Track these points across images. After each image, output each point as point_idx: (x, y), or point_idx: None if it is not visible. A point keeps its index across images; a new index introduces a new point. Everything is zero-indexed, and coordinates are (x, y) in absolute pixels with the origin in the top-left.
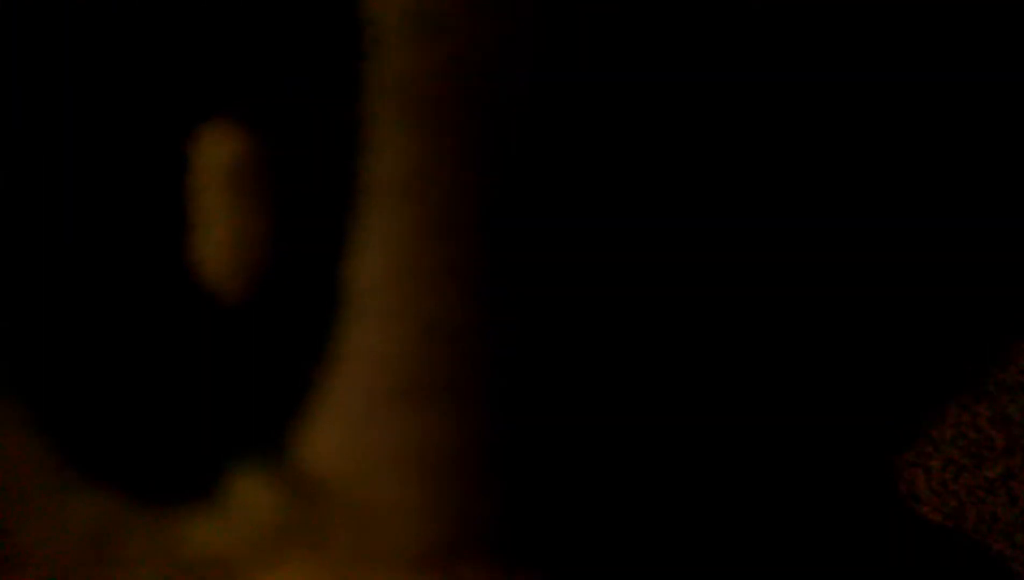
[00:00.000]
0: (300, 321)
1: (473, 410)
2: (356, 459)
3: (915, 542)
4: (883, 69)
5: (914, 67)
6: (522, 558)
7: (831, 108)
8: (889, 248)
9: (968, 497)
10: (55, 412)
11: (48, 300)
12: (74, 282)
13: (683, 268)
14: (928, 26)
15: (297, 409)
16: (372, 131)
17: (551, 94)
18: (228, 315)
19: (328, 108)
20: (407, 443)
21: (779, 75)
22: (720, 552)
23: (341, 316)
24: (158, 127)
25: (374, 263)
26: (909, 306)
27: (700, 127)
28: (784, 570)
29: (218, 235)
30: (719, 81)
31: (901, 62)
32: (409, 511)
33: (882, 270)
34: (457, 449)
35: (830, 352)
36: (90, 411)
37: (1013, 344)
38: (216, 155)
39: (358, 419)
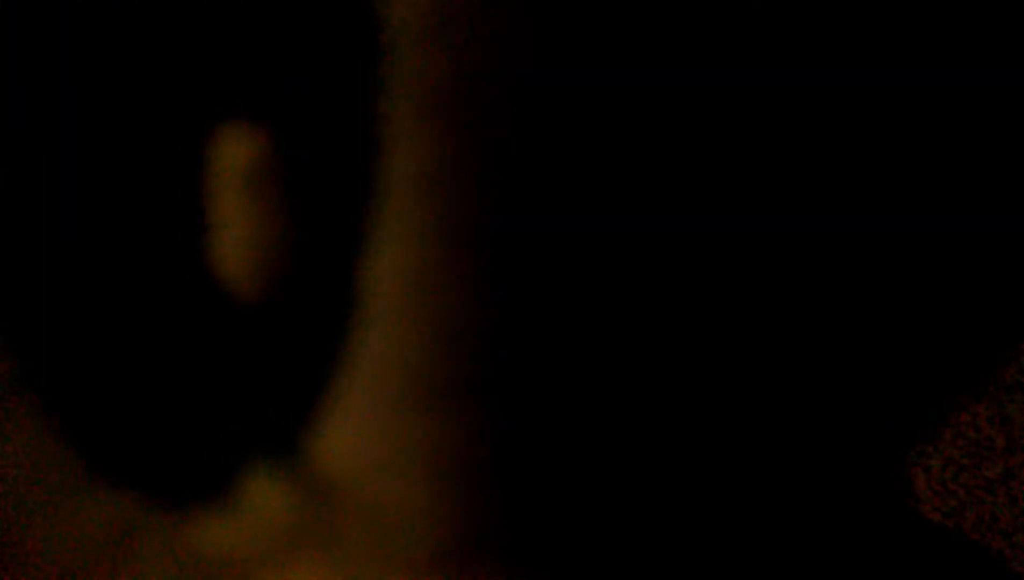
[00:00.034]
0: (315, 322)
1: (485, 412)
2: (369, 460)
3: (915, 542)
4: (882, 68)
5: (914, 67)
6: (531, 559)
7: (830, 107)
8: (888, 248)
9: (968, 497)
10: (67, 411)
11: (63, 298)
12: (89, 280)
13: (688, 269)
14: (927, 26)
15: (311, 410)
16: (388, 131)
17: (563, 93)
18: (244, 316)
19: (344, 108)
20: (420, 444)
21: (778, 74)
22: (720, 552)
23: (355, 317)
24: (175, 127)
25: (389, 264)
26: (909, 307)
27: (704, 127)
28: (784, 570)
29: (235, 236)
30: (720, 81)
31: (901, 61)
32: (421, 512)
33: (881, 271)
34: (469, 451)
35: (830, 352)
36: (103, 410)
37: (1013, 344)
38: (233, 155)
39: (371, 420)
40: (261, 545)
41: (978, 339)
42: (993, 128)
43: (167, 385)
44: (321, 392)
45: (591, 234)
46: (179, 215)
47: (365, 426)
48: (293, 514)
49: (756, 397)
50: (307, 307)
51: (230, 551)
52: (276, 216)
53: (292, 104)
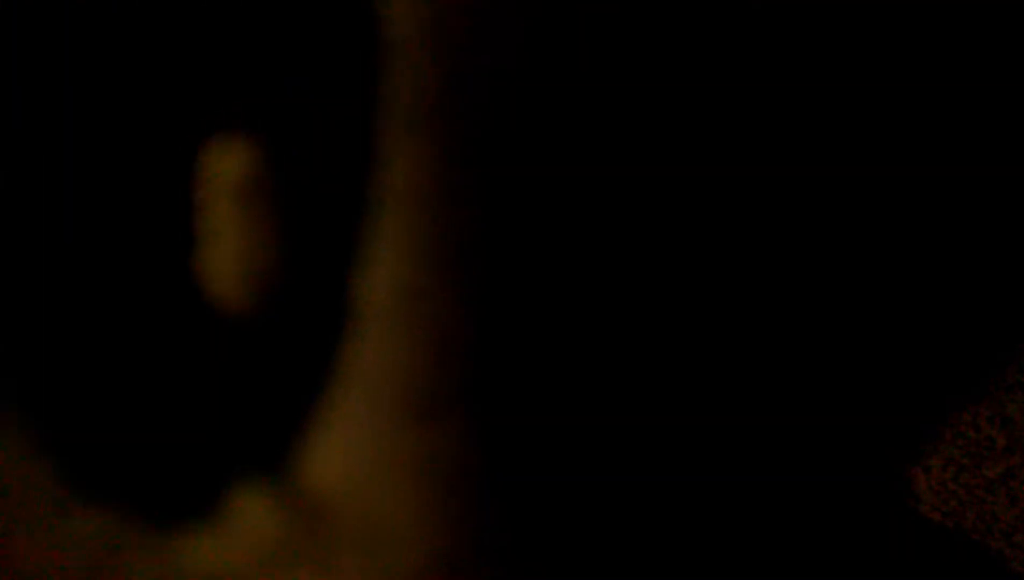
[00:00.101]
0: (306, 336)
1: (477, 423)
2: (360, 473)
3: (915, 542)
4: (883, 68)
5: (914, 66)
6: (524, 569)
7: (831, 107)
8: (888, 250)
9: (968, 497)
10: (57, 428)
11: (52, 316)
12: (78, 297)
13: (685, 272)
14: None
15: (300, 425)
16: (382, 144)
17: (556, 107)
18: (234, 330)
19: (338, 121)
20: (411, 456)
21: (774, 73)
22: (720, 552)
23: (348, 330)
24: (167, 139)
25: (382, 276)
26: (909, 308)
27: (703, 136)
28: (785, 570)
29: (226, 249)
30: (720, 88)
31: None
32: (413, 524)
33: (882, 272)
34: (460, 462)
35: (830, 353)
36: (91, 426)
37: (1013, 344)
38: (225, 168)
39: (362, 433)
40: (250, 561)
41: (978, 339)
42: (993, 129)
43: (155, 400)
44: (311, 407)
45: (582, 245)
46: (170, 228)
47: (356, 439)
48: (282, 529)
49: (757, 398)
50: (299, 321)
51: (218, 567)
52: (268, 229)
53: (285, 117)
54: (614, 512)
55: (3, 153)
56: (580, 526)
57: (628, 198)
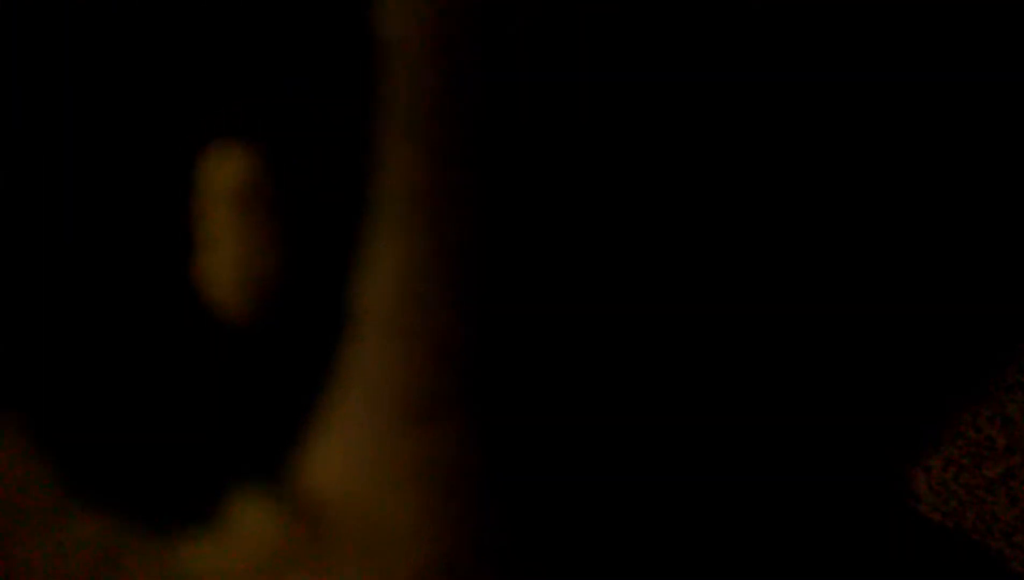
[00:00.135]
0: (305, 342)
1: (476, 427)
2: (359, 478)
3: (915, 542)
4: (883, 69)
5: (914, 67)
6: (524, 571)
7: (831, 106)
8: (889, 251)
9: (968, 497)
10: (56, 433)
11: (52, 321)
12: (78, 303)
13: (687, 279)
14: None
15: (299, 430)
16: (380, 150)
17: (554, 110)
18: (232, 336)
19: (337, 125)
20: (411, 460)
21: (771, 74)
22: (720, 552)
23: (347, 335)
24: (166, 146)
25: (380, 281)
26: (910, 308)
27: (700, 147)
28: (785, 570)
29: (224, 256)
30: (717, 85)
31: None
32: (412, 529)
33: (882, 273)
34: (460, 466)
35: (830, 354)
36: (89, 431)
37: (1013, 344)
38: (223, 175)
39: (361, 437)
40: (249, 565)
41: (978, 339)
42: (993, 130)
43: (154, 405)
44: (310, 411)
45: (581, 247)
46: (169, 234)
47: (355, 443)
48: (281, 533)
49: (757, 398)
50: (297, 327)
51: (217, 571)
52: (266, 236)
53: (283, 123)
54: (613, 513)
55: (3, 158)
56: (579, 527)
57: (626, 200)
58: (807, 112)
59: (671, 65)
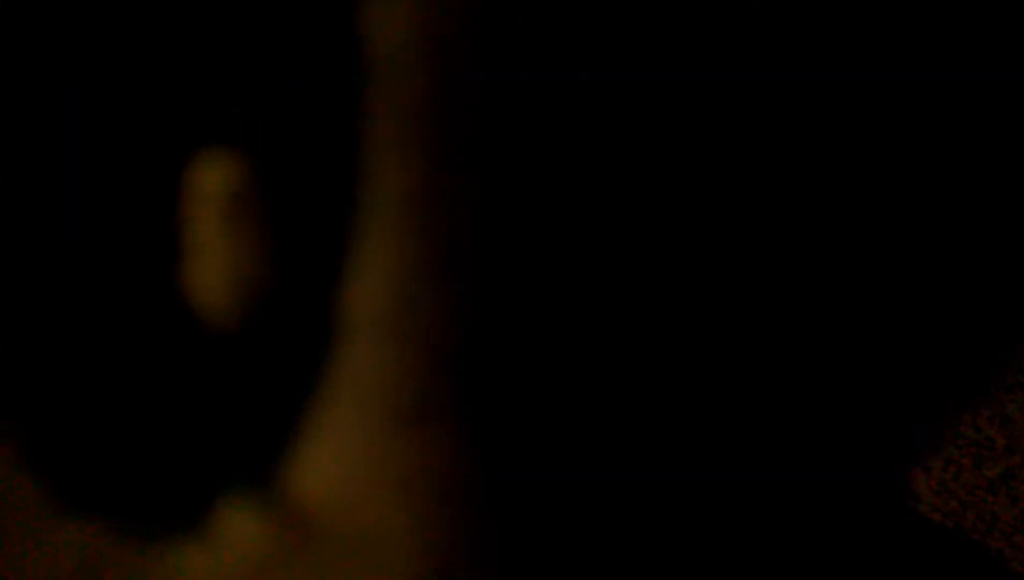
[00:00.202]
0: (294, 350)
1: (468, 432)
2: (349, 486)
3: (915, 542)
4: (883, 69)
5: (914, 67)
6: (521, 578)
7: (832, 107)
8: (889, 252)
9: (968, 497)
10: (42, 439)
11: (37, 329)
12: (63, 311)
13: (685, 280)
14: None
15: (289, 436)
16: (371, 155)
17: (545, 113)
18: (220, 344)
19: (327, 130)
20: (402, 467)
21: (770, 74)
22: (720, 552)
23: (336, 342)
24: (153, 151)
25: (371, 287)
26: (909, 307)
27: (698, 148)
28: (785, 570)
29: (212, 264)
30: (716, 84)
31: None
32: (404, 537)
33: (883, 273)
34: (452, 475)
35: (829, 353)
36: (77, 440)
37: (1013, 345)
38: (211, 180)
39: (352, 445)
40: (237, 574)
41: (978, 340)
42: (993, 132)
43: (141, 411)
44: (300, 417)
45: (575, 251)
46: (155, 242)
47: (346, 449)
48: (271, 542)
49: (757, 398)
50: (286, 335)
51: None
52: (255, 241)
53: (272, 128)
54: (610, 515)
55: None
56: (577, 533)
57: (622, 203)
58: (807, 112)
59: (669, 67)
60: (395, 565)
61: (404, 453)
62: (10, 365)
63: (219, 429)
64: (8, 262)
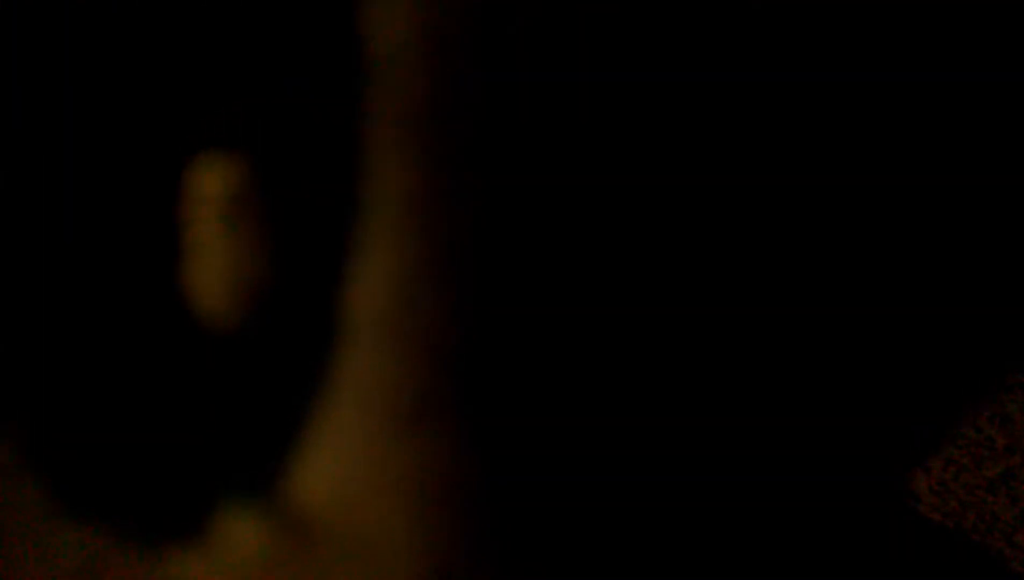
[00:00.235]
0: (294, 352)
1: (468, 434)
2: (349, 490)
3: (915, 542)
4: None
5: (914, 67)
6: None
7: (832, 108)
8: (890, 254)
9: (968, 497)
10: (42, 443)
11: (36, 330)
12: (63, 312)
13: (684, 281)
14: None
15: (289, 439)
16: (370, 156)
17: (545, 113)
18: (220, 347)
19: (327, 131)
20: (402, 470)
21: (769, 74)
22: (720, 552)
23: (337, 344)
24: (152, 155)
25: (371, 289)
26: (910, 309)
27: (698, 149)
28: (785, 570)
29: (212, 266)
30: (717, 86)
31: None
32: (404, 541)
33: (883, 278)
34: (452, 475)
35: (830, 354)
36: (77, 442)
37: (1013, 344)
38: (210, 182)
39: (351, 448)
40: (237, 578)
41: (978, 341)
42: (994, 133)
43: (140, 416)
44: (300, 420)
45: (574, 252)
46: (155, 244)
47: (347, 451)
48: (271, 546)
49: (758, 399)
50: (287, 334)
51: None
52: (255, 243)
53: (272, 129)
54: (611, 516)
55: None
56: (576, 533)
57: (621, 203)
58: (807, 112)
59: (668, 68)
60: (395, 566)
61: (404, 454)
62: (10, 365)
63: (219, 431)
64: (8, 263)
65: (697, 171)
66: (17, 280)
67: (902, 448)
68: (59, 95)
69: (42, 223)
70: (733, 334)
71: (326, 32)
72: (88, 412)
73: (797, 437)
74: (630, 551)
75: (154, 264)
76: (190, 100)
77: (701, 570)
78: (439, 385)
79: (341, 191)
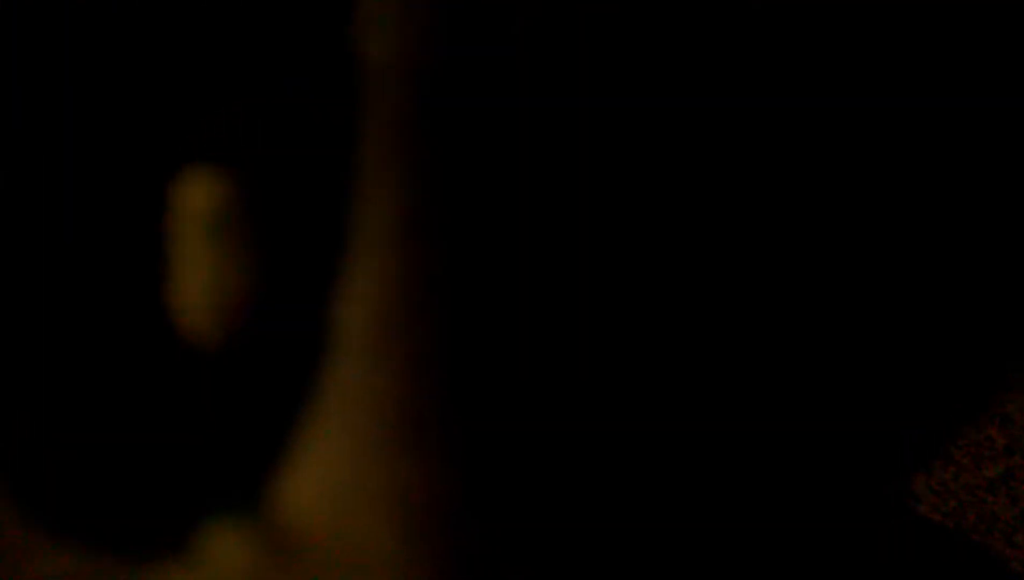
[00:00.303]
0: (280, 366)
1: (456, 450)
2: (336, 505)
3: (915, 542)
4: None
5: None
6: None
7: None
8: (891, 256)
9: (968, 497)
10: (23, 461)
11: (20, 350)
12: (47, 334)
13: (684, 284)
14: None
15: (275, 456)
16: (358, 172)
17: (534, 138)
18: (206, 364)
19: (315, 149)
20: (389, 486)
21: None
22: (721, 552)
23: (324, 361)
24: (139, 168)
25: (359, 305)
26: (911, 312)
27: (692, 167)
28: (785, 570)
29: (198, 282)
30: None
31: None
32: (391, 553)
33: (885, 278)
34: (439, 488)
35: (830, 355)
36: (59, 459)
37: (1013, 344)
38: (199, 201)
39: (339, 464)
40: None
41: (979, 341)
42: (993, 134)
43: (124, 431)
44: (286, 437)
45: (563, 268)
46: (141, 262)
47: (333, 468)
48: (255, 562)
49: (758, 400)
50: (273, 351)
51: None
52: (239, 260)
53: (259, 146)
54: (598, 529)
55: None
56: (563, 545)
57: (609, 216)
58: (808, 112)
59: (654, 94)
60: (382, 576)
61: (390, 465)
62: None
63: (204, 444)
64: None
65: (696, 170)
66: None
67: (902, 449)
68: (48, 111)
69: (25, 239)
70: (732, 337)
71: (314, 47)
72: (69, 428)
73: (798, 438)
74: (620, 561)
75: (138, 279)
76: (178, 113)
77: (701, 570)
78: (425, 397)
79: (328, 207)
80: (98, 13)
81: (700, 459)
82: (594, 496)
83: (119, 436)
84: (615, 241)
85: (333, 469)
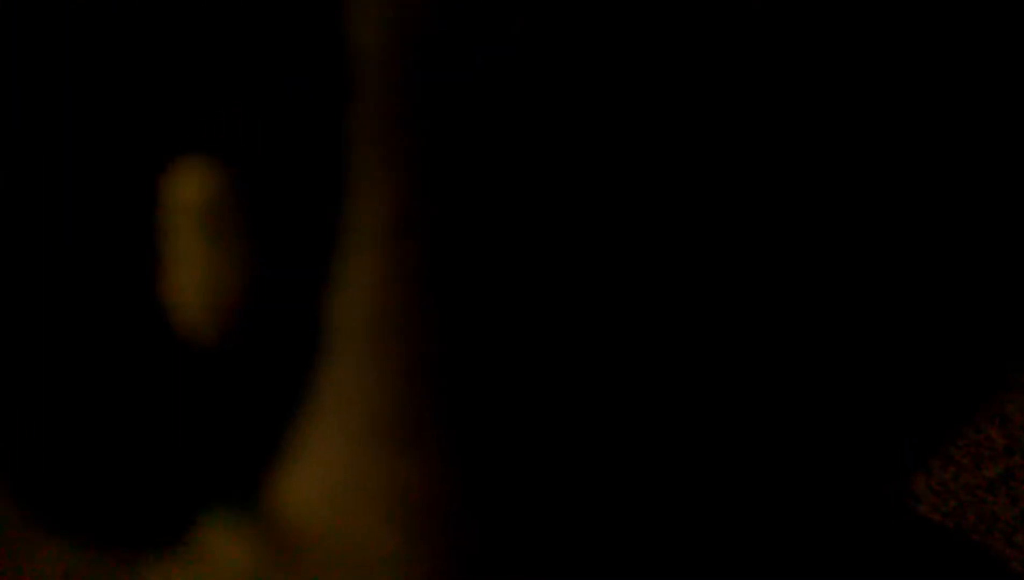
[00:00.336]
0: (277, 363)
1: (452, 447)
2: (334, 503)
3: (915, 542)
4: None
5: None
6: None
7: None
8: (891, 257)
9: (968, 497)
10: (22, 457)
11: (14, 347)
12: (43, 333)
13: (682, 287)
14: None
15: (273, 454)
16: (352, 165)
17: (526, 137)
18: (202, 360)
19: (308, 142)
20: (387, 484)
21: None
22: (721, 552)
23: (319, 358)
24: (131, 162)
25: (354, 302)
26: (910, 310)
27: (691, 154)
28: (785, 570)
29: (192, 278)
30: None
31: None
32: (389, 554)
33: (886, 278)
34: (436, 488)
35: (830, 355)
36: (58, 456)
37: (1012, 344)
38: (189, 193)
39: (336, 461)
40: None
41: (979, 341)
42: (994, 135)
43: (122, 431)
44: (284, 434)
45: (560, 264)
46: (134, 257)
47: (330, 466)
48: (253, 560)
49: (759, 401)
50: (269, 348)
51: None
52: (233, 255)
53: (252, 138)
54: (595, 528)
55: None
56: (560, 543)
57: (607, 211)
58: (807, 110)
59: (655, 89)
60: (380, 575)
61: (388, 464)
62: None
63: (201, 445)
64: None
65: (696, 171)
66: None
67: (902, 449)
68: (44, 103)
69: (17, 239)
70: (731, 336)
71: (307, 41)
72: (67, 425)
73: (798, 438)
74: (618, 559)
75: (131, 276)
76: (172, 109)
77: (701, 570)
78: (424, 396)
79: (323, 203)
80: (92, 9)
81: (700, 459)
82: (594, 496)
83: (117, 435)
84: (613, 241)
85: (332, 468)
